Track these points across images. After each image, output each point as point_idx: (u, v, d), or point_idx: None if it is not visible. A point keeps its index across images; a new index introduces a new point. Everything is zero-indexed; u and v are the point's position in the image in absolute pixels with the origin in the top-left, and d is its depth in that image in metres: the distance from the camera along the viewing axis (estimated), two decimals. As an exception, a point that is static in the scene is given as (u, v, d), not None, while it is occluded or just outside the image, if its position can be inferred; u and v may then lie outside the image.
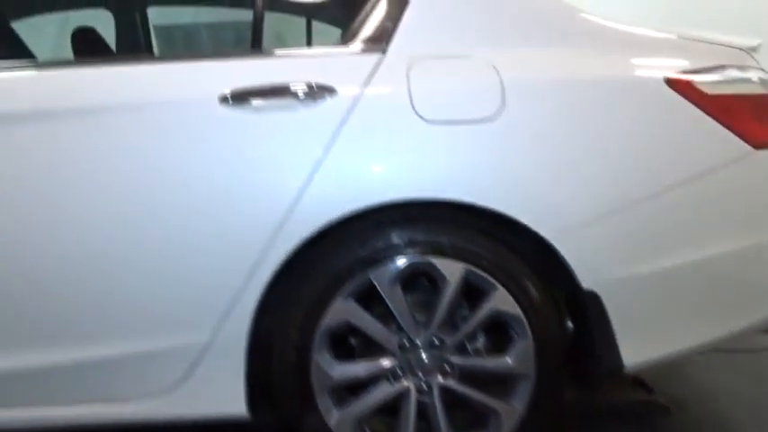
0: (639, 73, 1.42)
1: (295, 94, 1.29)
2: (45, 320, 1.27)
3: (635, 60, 1.43)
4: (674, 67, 1.39)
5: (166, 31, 3.00)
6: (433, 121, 1.30)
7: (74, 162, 1.27)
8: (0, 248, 1.27)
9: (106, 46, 2.03)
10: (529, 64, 1.37)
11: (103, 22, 2.03)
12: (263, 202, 1.27)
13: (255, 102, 1.28)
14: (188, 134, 1.29)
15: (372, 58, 1.36)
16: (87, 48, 1.98)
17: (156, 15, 2.33)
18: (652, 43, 1.51)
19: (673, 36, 1.52)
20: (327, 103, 1.29)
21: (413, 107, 1.30)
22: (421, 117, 1.29)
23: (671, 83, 1.36)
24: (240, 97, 1.28)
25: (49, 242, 1.26)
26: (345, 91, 1.31)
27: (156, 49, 2.31)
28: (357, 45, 1.41)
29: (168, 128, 1.28)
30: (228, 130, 1.28)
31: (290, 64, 1.40)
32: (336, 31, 2.09)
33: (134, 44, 2.18)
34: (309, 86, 1.30)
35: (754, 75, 1.42)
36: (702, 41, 1.50)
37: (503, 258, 1.35)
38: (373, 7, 1.47)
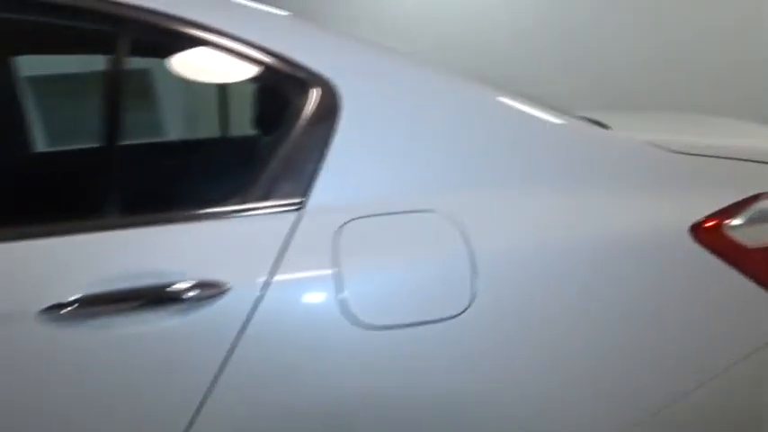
0: (659, 220, 0.99)
1: (162, 300, 0.87)
2: None
3: (652, 196, 1.01)
4: (701, 204, 1.00)
5: (44, 84, 2.45)
6: (371, 327, 0.90)
7: None
8: None
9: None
10: (508, 221, 0.96)
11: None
12: None
13: (103, 314, 0.86)
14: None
15: (285, 221, 0.93)
16: None
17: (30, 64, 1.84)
18: (670, 161, 1.04)
19: (693, 141, 1.10)
20: (217, 306, 0.88)
21: (341, 304, 0.89)
22: (353, 320, 0.89)
23: (697, 232, 0.99)
24: (77, 308, 0.85)
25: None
26: (243, 285, 0.89)
27: (29, 108, 1.83)
28: (266, 202, 0.95)
29: None
30: (60, 356, 0.86)
31: (164, 241, 0.91)
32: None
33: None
34: (187, 286, 0.87)
35: None
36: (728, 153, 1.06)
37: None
38: (287, 137, 0.97)
